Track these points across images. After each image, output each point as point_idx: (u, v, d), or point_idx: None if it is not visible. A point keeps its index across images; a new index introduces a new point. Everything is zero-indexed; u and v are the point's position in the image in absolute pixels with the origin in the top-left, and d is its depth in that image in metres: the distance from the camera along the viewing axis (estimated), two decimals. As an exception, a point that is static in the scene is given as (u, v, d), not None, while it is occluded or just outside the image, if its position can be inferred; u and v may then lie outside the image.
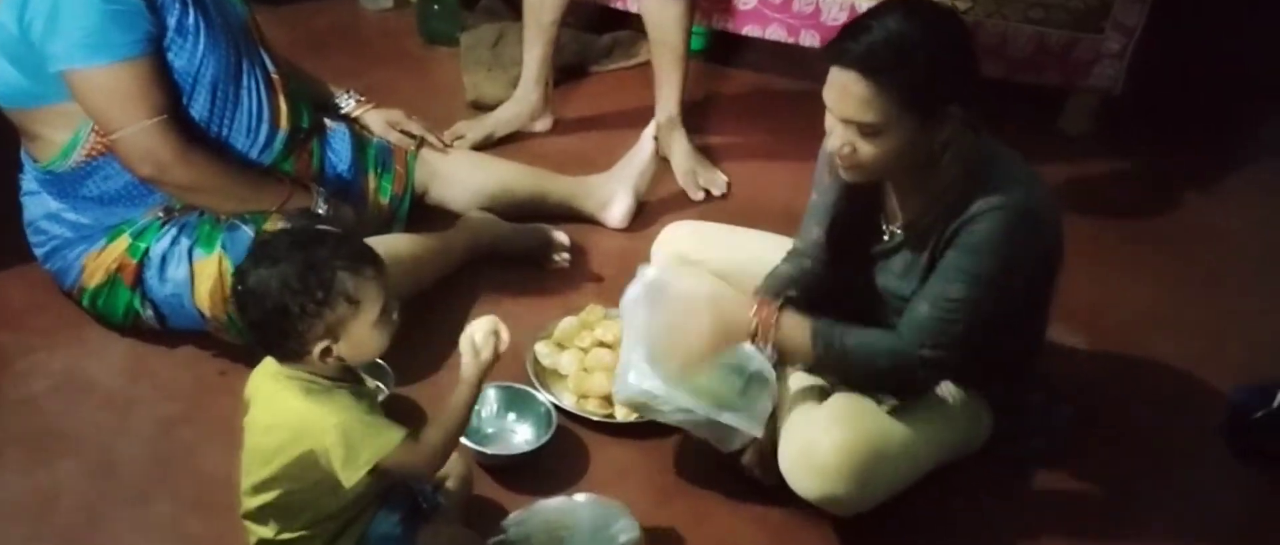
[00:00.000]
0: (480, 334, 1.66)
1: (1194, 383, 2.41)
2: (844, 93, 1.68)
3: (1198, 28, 3.55)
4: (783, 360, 1.90)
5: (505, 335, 1.68)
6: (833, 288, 2.01)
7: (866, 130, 1.69)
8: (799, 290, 2.00)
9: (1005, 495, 2.10)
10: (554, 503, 1.89)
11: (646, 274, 1.95)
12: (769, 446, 1.92)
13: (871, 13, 1.68)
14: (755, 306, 1.83)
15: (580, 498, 1.91)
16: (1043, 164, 1.86)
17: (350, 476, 1.56)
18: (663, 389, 1.83)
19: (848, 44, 1.66)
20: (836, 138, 1.73)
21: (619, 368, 1.91)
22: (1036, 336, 2.02)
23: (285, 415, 1.59)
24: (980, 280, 1.75)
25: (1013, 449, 2.07)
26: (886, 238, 1.90)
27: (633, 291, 1.94)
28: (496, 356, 1.67)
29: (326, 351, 1.56)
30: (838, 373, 1.86)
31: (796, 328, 1.82)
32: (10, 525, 1.89)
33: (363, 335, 1.58)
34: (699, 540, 1.96)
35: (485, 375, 1.67)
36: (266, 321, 1.54)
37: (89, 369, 2.21)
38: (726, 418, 1.85)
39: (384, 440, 1.57)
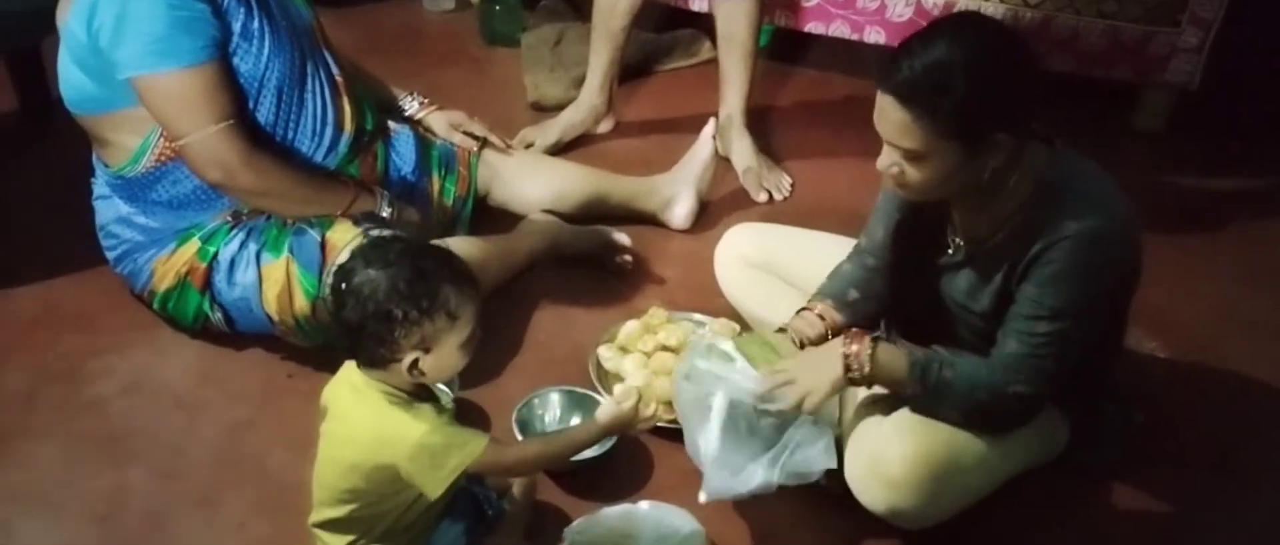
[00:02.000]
0: (623, 387, 1.76)
1: (1271, 389, 2.34)
2: (883, 117, 1.65)
3: (1278, 21, 3.44)
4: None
5: (651, 409, 1.77)
6: (897, 291, 1.98)
7: (909, 155, 1.66)
8: (861, 290, 1.98)
9: (1077, 506, 2.04)
10: (618, 510, 1.87)
11: (697, 364, 1.83)
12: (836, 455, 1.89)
13: (922, 34, 1.64)
14: (846, 341, 1.78)
15: (644, 505, 1.90)
16: (1115, 162, 1.81)
17: (436, 487, 1.57)
18: (742, 486, 1.77)
19: (890, 67, 1.62)
20: (885, 158, 1.70)
21: (696, 455, 1.83)
22: (1115, 348, 1.96)
23: (366, 428, 1.59)
24: (1064, 312, 1.70)
25: (1085, 458, 2.01)
26: (950, 251, 1.86)
27: (689, 387, 1.83)
28: (634, 414, 1.74)
29: (414, 363, 1.57)
30: (934, 406, 1.79)
31: (892, 358, 1.77)
32: (80, 526, 1.91)
33: (450, 353, 1.59)
34: (763, 550, 1.94)
35: (613, 427, 1.75)
36: (364, 323, 1.54)
37: (159, 371, 2.24)
38: (798, 465, 1.78)
39: (469, 449, 1.58)
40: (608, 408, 1.75)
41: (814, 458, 1.78)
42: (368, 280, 1.54)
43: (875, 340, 1.78)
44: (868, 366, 1.75)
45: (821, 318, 1.97)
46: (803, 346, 1.92)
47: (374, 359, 1.58)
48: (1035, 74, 1.67)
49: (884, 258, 1.97)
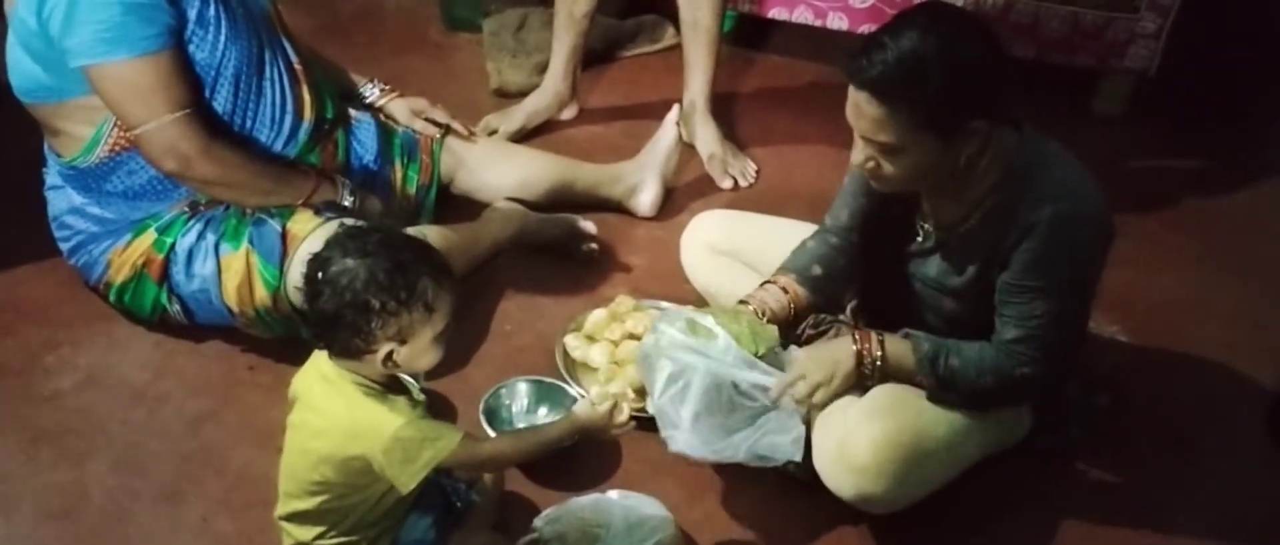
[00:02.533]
0: (600, 390, 1.79)
1: (1229, 371, 2.37)
2: (859, 113, 1.65)
3: (1236, 8, 3.47)
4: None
5: (625, 415, 1.74)
6: (865, 276, 1.99)
7: (885, 149, 1.66)
8: (824, 267, 1.99)
9: (1042, 488, 2.06)
10: (587, 500, 1.87)
11: (667, 338, 1.81)
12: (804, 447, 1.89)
13: (890, 26, 1.64)
14: (856, 339, 1.80)
15: (613, 494, 1.89)
16: (1075, 147, 1.83)
17: (408, 481, 1.55)
18: (710, 449, 1.78)
19: (861, 62, 1.62)
20: (859, 153, 1.70)
21: (660, 420, 1.81)
22: (1081, 330, 1.97)
23: (340, 419, 1.57)
24: (1055, 292, 1.73)
25: (1050, 440, 2.03)
26: (920, 237, 1.87)
27: (663, 364, 1.79)
28: (609, 419, 1.72)
29: (389, 355, 1.55)
30: (944, 394, 1.81)
31: (900, 351, 1.80)
32: (39, 523, 1.88)
33: (423, 346, 1.58)
34: (733, 537, 1.94)
35: (588, 427, 1.73)
36: (340, 313, 1.52)
37: (117, 365, 2.20)
38: (764, 449, 1.79)
39: (443, 444, 1.56)
40: (584, 407, 1.74)
41: (781, 446, 1.78)
42: (346, 270, 1.51)
43: (881, 336, 1.80)
44: (881, 361, 1.78)
45: (785, 290, 1.97)
46: (761, 315, 1.91)
47: (348, 350, 1.56)
48: (1005, 58, 1.67)
49: (848, 239, 1.98)
